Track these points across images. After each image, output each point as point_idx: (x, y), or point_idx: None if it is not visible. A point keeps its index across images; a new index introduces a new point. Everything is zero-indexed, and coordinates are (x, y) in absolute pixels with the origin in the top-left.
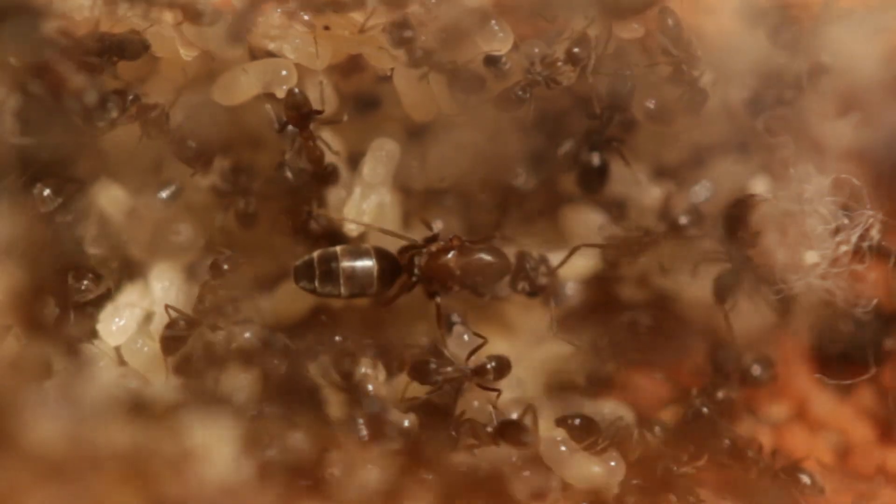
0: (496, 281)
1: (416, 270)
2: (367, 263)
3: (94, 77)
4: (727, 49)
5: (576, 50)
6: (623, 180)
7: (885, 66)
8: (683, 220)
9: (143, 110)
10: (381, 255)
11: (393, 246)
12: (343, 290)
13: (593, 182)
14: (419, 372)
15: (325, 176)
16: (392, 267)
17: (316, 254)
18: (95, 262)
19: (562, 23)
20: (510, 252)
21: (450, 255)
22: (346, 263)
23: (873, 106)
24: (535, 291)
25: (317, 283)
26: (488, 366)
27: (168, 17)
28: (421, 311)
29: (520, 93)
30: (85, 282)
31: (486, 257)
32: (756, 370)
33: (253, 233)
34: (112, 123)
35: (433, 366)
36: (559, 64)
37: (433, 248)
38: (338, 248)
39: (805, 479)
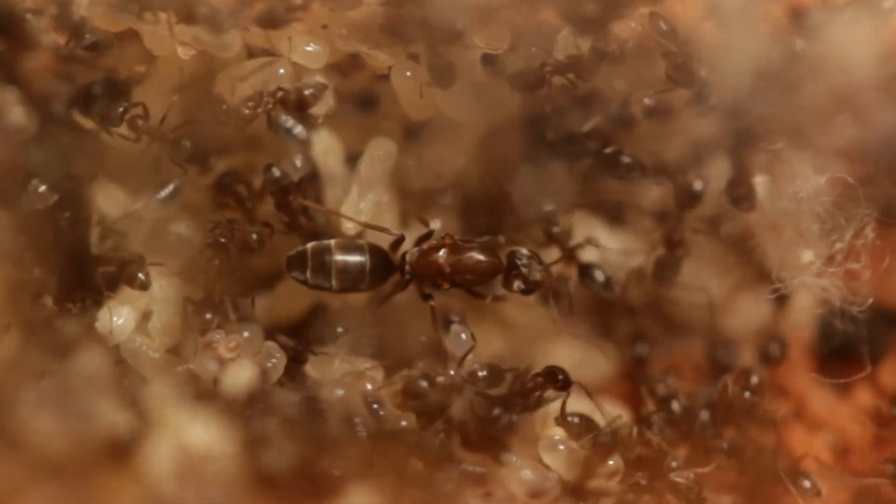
0: (487, 280)
1: (406, 267)
2: (359, 259)
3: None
4: (722, 48)
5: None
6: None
7: (880, 64)
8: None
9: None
10: (374, 251)
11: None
12: (334, 283)
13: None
14: (411, 395)
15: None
16: (385, 264)
17: (310, 245)
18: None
19: (558, 21)
20: (503, 252)
21: (441, 253)
22: (338, 257)
23: (868, 105)
24: (529, 289)
25: (308, 275)
26: (479, 374)
27: (163, 17)
28: (419, 310)
29: (534, 77)
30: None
31: (478, 256)
32: (775, 349)
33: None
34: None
35: (424, 384)
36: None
37: (424, 245)
38: (332, 242)
39: (805, 482)
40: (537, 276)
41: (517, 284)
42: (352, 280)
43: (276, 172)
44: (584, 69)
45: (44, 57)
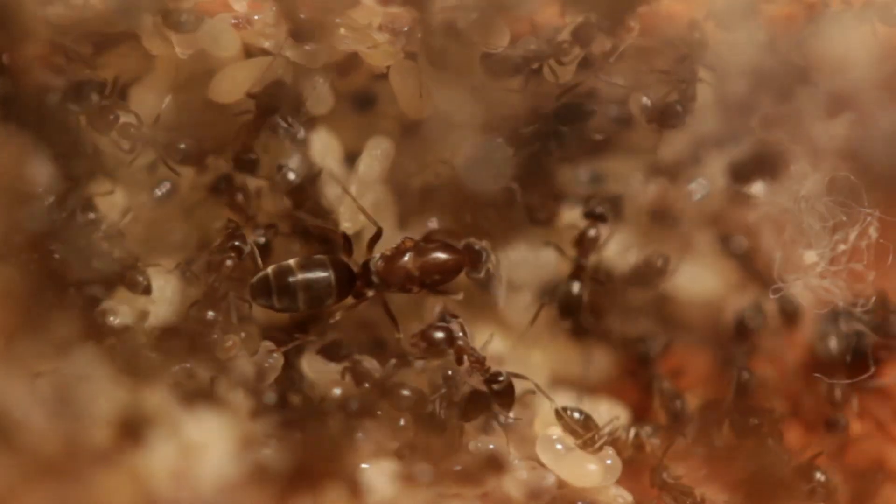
0: (453, 277)
1: (373, 277)
2: (323, 275)
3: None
4: (722, 47)
5: (581, 31)
6: (620, 177)
7: (879, 64)
8: None
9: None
10: (336, 265)
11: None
12: (301, 304)
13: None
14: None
15: None
16: (349, 276)
17: (270, 269)
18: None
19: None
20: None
21: (406, 258)
22: (301, 276)
23: (867, 105)
24: (487, 279)
25: (275, 300)
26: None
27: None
28: (415, 309)
29: (518, 61)
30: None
31: (443, 255)
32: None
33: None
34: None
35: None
36: (565, 45)
37: (388, 251)
38: (292, 262)
39: (819, 476)
40: (491, 266)
41: (475, 274)
42: (318, 297)
43: (290, 175)
44: (564, 53)
45: (38, 49)
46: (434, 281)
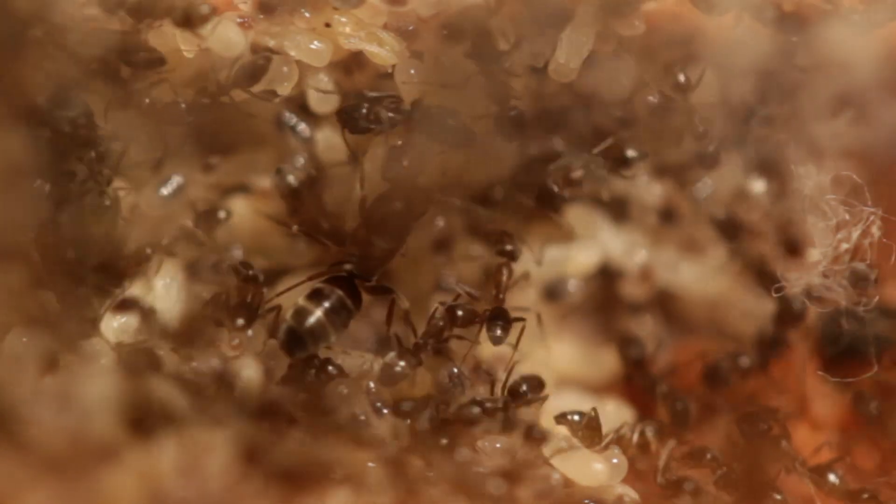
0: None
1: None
2: (337, 297)
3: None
4: (726, 46)
5: None
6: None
7: (882, 64)
8: None
9: None
10: (340, 284)
11: None
12: (333, 336)
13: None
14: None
15: None
16: (355, 287)
17: (290, 318)
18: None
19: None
20: None
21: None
22: (320, 313)
23: (871, 104)
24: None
25: (309, 345)
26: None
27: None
28: (422, 305)
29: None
30: None
31: (382, 204)
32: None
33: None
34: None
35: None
36: None
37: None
38: (304, 303)
39: (833, 478)
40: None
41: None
42: (343, 322)
43: (289, 177)
44: None
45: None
46: (397, 233)
